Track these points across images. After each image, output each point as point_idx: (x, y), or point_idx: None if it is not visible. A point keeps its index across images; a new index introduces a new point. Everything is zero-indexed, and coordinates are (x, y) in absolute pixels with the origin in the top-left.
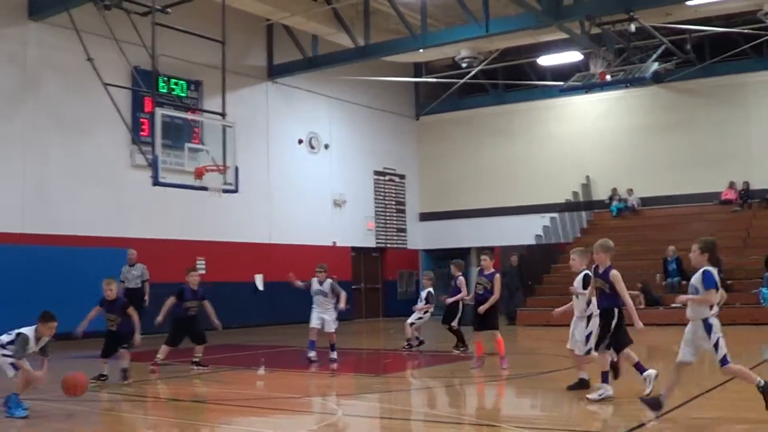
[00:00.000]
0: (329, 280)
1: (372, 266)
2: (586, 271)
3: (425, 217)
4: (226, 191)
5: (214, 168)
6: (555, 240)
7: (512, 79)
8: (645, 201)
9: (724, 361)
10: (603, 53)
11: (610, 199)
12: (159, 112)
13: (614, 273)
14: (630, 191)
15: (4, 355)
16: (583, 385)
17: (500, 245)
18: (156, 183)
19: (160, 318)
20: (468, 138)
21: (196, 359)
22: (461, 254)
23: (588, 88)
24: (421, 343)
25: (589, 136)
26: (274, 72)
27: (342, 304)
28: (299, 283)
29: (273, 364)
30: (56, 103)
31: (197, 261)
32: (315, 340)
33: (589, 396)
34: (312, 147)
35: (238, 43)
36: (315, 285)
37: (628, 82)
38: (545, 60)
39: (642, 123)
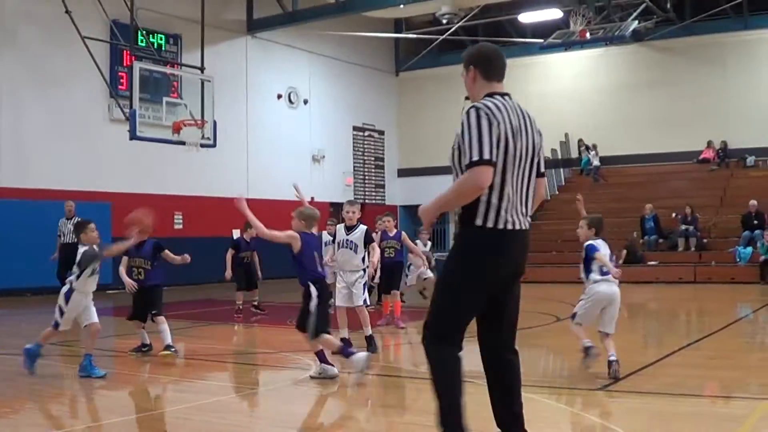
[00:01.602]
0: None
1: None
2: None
3: (404, 173)
4: (203, 146)
5: (192, 122)
6: None
7: (492, 36)
8: (623, 159)
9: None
10: (583, 11)
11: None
12: (137, 65)
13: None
14: (593, 146)
15: (59, 306)
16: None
17: None
18: (133, 137)
19: (228, 272)
20: (447, 94)
21: (255, 303)
22: None
23: (567, 45)
24: None
25: (568, 94)
26: (254, 26)
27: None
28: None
29: (251, 320)
30: (33, 56)
31: (175, 216)
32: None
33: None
34: (291, 102)
35: None
36: (325, 237)
37: (608, 41)
38: (526, 17)
39: (621, 81)
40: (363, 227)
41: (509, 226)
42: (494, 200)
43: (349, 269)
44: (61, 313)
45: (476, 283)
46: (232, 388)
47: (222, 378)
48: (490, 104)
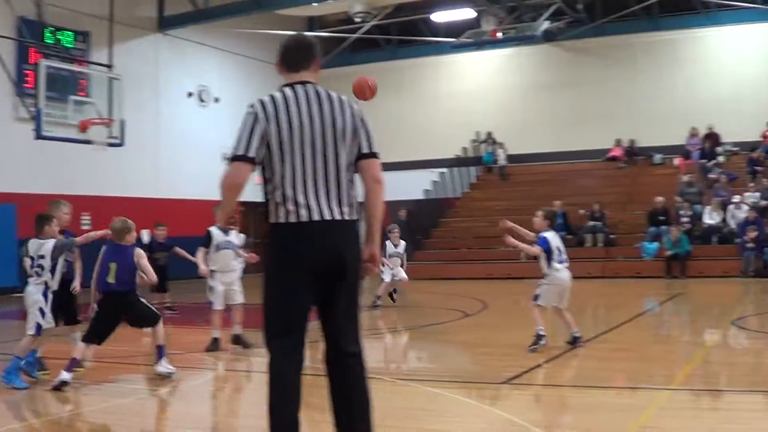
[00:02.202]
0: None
1: (262, 221)
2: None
3: None
4: (111, 145)
5: (100, 121)
6: (444, 195)
7: (405, 35)
8: (534, 157)
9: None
10: (495, 11)
11: (484, 142)
12: (43, 63)
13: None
14: (500, 144)
15: (40, 309)
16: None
17: (389, 200)
18: (39, 136)
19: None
20: None
21: (168, 304)
22: None
23: (479, 45)
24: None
25: (479, 93)
26: (165, 24)
27: None
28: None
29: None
30: None
31: (82, 216)
32: None
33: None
34: (202, 100)
35: None
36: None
37: (519, 40)
38: (439, 16)
39: (532, 81)
40: (236, 230)
41: (303, 218)
42: (278, 195)
43: (228, 270)
44: (43, 314)
45: (278, 280)
46: (139, 390)
47: (129, 380)
48: (266, 98)
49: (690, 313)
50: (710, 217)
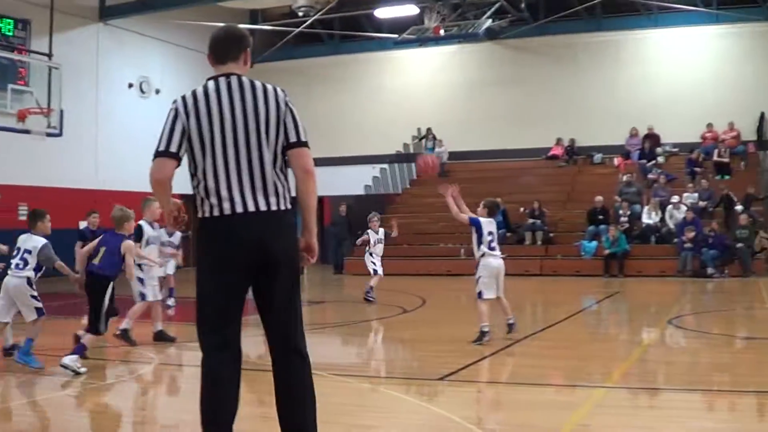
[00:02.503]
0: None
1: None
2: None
3: None
4: (49, 134)
5: (38, 110)
6: (384, 191)
7: (348, 30)
8: (475, 154)
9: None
10: (438, 8)
11: (424, 137)
12: None
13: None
14: (440, 142)
15: (32, 296)
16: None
17: (330, 195)
18: None
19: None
20: (302, 87)
21: None
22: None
23: (422, 41)
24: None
25: (422, 90)
26: (106, 13)
27: None
28: None
29: None
30: None
31: (20, 207)
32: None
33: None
34: (142, 92)
35: None
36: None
37: (462, 38)
38: (382, 12)
39: (474, 78)
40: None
41: (227, 212)
42: (201, 189)
43: (152, 265)
44: (38, 299)
45: (207, 274)
46: (72, 383)
47: (65, 373)
48: (188, 93)
49: (627, 311)
50: (649, 217)
